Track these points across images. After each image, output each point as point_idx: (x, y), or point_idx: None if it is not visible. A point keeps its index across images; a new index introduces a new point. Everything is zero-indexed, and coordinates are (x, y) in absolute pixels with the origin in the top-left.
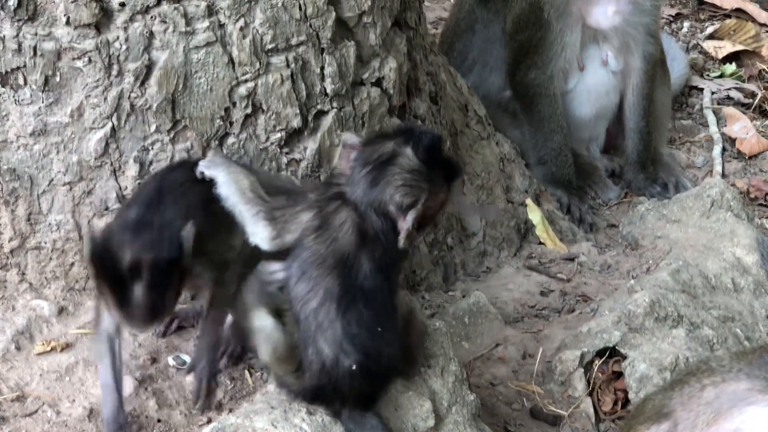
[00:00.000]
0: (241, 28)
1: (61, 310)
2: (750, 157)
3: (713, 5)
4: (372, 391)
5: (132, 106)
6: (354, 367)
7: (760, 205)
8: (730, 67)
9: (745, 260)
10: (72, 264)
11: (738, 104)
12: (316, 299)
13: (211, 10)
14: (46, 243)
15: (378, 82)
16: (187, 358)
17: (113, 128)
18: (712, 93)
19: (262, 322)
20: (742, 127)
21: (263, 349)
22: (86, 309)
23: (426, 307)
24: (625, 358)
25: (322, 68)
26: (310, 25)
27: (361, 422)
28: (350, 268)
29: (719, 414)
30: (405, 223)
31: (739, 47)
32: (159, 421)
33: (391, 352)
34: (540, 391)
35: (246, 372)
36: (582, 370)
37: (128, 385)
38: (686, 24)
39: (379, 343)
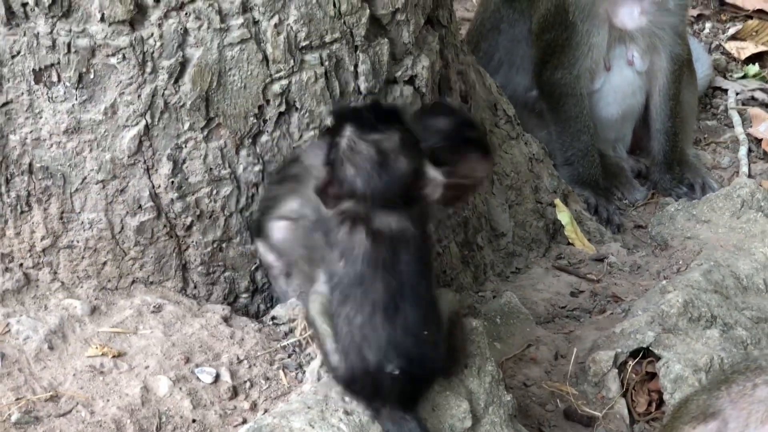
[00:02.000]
0: (276, 25)
1: (94, 310)
2: None
3: (735, 6)
4: (414, 393)
5: (166, 103)
6: (397, 372)
7: None
8: (753, 68)
9: None
10: (104, 263)
11: (763, 105)
12: (361, 315)
13: (245, 7)
14: (78, 242)
15: (411, 80)
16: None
17: (147, 126)
18: (737, 94)
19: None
20: (767, 127)
21: None
22: (119, 308)
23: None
24: (659, 358)
25: (356, 66)
26: (344, 23)
27: (400, 424)
28: (389, 275)
29: None
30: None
31: (762, 48)
32: (194, 421)
33: (434, 355)
34: (574, 392)
35: (281, 372)
36: (616, 370)
37: (163, 384)
38: (708, 25)
39: (423, 348)
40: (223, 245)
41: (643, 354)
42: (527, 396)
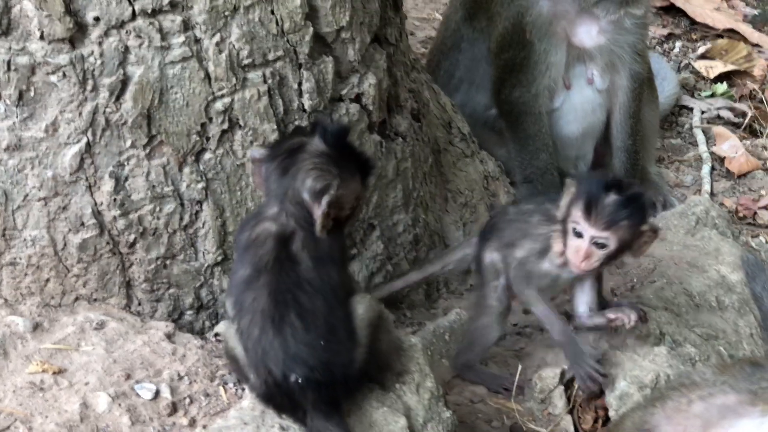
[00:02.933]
0: (217, 44)
1: (36, 326)
2: (739, 176)
3: (706, 25)
4: (329, 399)
5: (107, 121)
6: (300, 381)
7: (749, 224)
8: (722, 87)
9: (730, 278)
10: (47, 280)
11: (728, 123)
12: (257, 327)
13: (187, 25)
14: (21, 259)
15: (357, 98)
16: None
17: (88, 143)
18: (702, 112)
19: None
20: (731, 146)
21: None
22: (61, 325)
23: (408, 324)
24: (605, 376)
25: (300, 84)
26: (287, 41)
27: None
28: (277, 281)
29: (709, 426)
30: (319, 209)
31: (731, 67)
32: None
33: (341, 359)
34: (519, 408)
35: (221, 388)
36: (562, 387)
37: (102, 401)
38: (678, 44)
39: (324, 354)
40: (167, 262)
41: None
42: (473, 413)
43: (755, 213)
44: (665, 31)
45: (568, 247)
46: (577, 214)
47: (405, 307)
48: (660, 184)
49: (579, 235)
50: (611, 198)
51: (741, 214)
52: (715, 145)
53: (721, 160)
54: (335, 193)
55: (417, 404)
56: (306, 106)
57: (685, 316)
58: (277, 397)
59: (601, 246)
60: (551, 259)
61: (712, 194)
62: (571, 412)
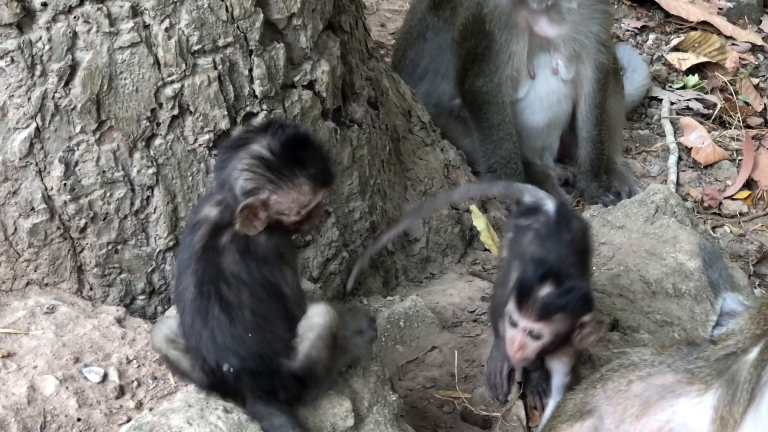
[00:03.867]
0: (167, 29)
1: None
2: (705, 167)
3: (679, 18)
4: (267, 387)
5: (56, 106)
6: (232, 370)
7: (714, 213)
8: (693, 79)
9: (687, 266)
10: None
11: (698, 115)
12: (189, 316)
13: (135, 11)
14: None
15: (310, 85)
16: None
17: (38, 128)
18: (672, 104)
19: None
20: (698, 136)
21: None
22: (12, 309)
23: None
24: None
25: (251, 70)
26: (238, 27)
27: (269, 419)
28: (202, 271)
29: (648, 406)
30: (238, 208)
31: (703, 59)
32: (79, 420)
33: (276, 350)
34: (467, 396)
35: (169, 372)
36: (513, 372)
37: (50, 384)
38: (651, 36)
39: (255, 345)
40: (119, 247)
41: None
42: (425, 398)
43: (720, 203)
44: (639, 23)
45: (506, 334)
46: (512, 303)
47: (362, 294)
48: (626, 174)
49: (514, 324)
50: (546, 289)
51: (706, 204)
52: (682, 136)
53: (689, 150)
54: (263, 198)
55: (363, 387)
56: (257, 93)
57: (640, 303)
58: (215, 384)
59: (536, 337)
60: None
61: (678, 184)
62: (523, 397)
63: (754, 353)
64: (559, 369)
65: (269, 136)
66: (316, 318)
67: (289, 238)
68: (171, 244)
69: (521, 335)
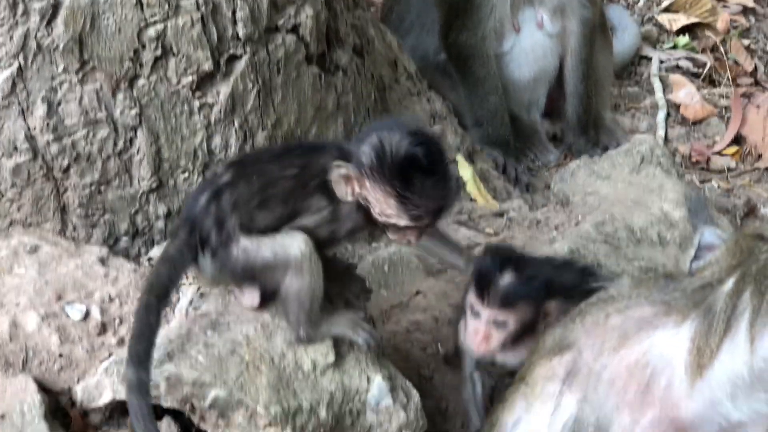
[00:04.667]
0: None
1: None
2: (694, 123)
3: None
4: None
5: (39, 45)
6: None
7: (702, 169)
8: (684, 39)
9: (673, 215)
10: None
11: (687, 73)
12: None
13: None
14: None
15: (294, 29)
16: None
17: (20, 67)
18: (661, 62)
19: None
20: (687, 93)
21: None
22: None
23: (348, 257)
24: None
25: (234, 12)
26: None
27: None
28: None
29: (626, 338)
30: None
31: (694, 20)
32: (60, 355)
33: None
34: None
35: None
36: None
37: (32, 320)
38: None
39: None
40: (102, 188)
41: None
42: (409, 341)
43: (708, 158)
44: None
45: (467, 327)
46: (472, 293)
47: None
48: (614, 129)
49: (476, 315)
50: (507, 277)
51: (694, 160)
52: (672, 93)
53: (677, 107)
54: (353, 174)
55: None
56: (240, 35)
57: (624, 250)
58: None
59: (501, 326)
60: None
61: (666, 140)
62: None
63: (729, 283)
64: (511, 360)
65: (406, 134)
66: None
67: (369, 226)
68: (154, 185)
69: (485, 326)
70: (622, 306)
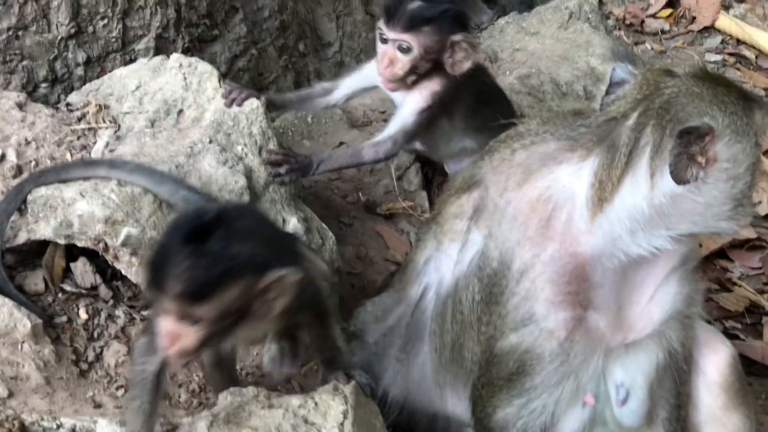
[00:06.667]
0: None
1: None
2: None
3: None
4: None
5: None
6: None
7: (636, 31)
8: None
9: (599, 69)
10: None
11: None
12: None
13: None
14: None
15: None
16: None
17: None
18: None
19: None
20: None
21: None
22: None
23: (270, 108)
24: None
25: None
26: None
27: None
28: None
29: (530, 173)
30: None
31: None
32: None
33: None
34: (410, 204)
35: (67, 153)
36: (418, 164)
37: None
38: None
39: None
40: (19, 33)
41: None
42: (330, 188)
43: (643, 21)
44: None
45: (378, 56)
46: (382, 19)
47: (273, 91)
48: None
49: (384, 41)
50: (415, 2)
51: (629, 22)
52: None
53: None
54: None
55: (259, 166)
56: None
57: (549, 103)
58: None
59: (405, 50)
60: None
61: (601, 2)
62: (426, 188)
63: (633, 117)
64: (411, 102)
65: None
66: None
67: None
68: (73, 31)
69: (391, 49)
70: (528, 142)
